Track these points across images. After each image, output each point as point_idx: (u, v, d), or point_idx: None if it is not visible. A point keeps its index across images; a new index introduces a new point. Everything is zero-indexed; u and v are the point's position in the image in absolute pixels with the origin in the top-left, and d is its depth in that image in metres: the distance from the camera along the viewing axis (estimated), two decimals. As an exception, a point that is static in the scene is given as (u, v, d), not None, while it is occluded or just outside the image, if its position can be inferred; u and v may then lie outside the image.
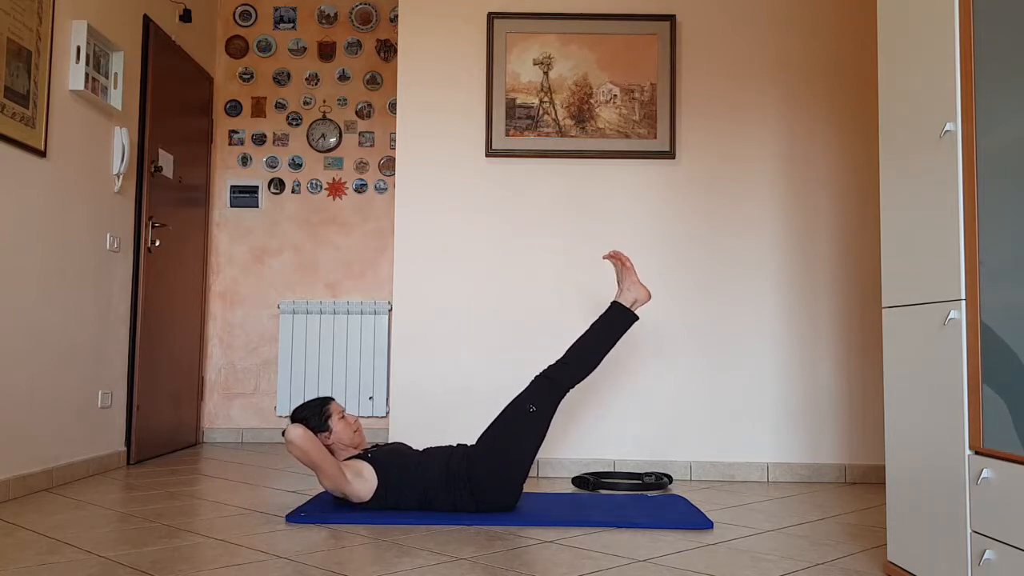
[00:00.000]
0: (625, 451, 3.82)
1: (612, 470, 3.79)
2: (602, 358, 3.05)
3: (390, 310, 5.11)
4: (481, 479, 2.83)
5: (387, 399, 5.08)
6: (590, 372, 3.03)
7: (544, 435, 2.94)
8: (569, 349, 3.05)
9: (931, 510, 1.98)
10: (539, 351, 3.83)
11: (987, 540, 1.76)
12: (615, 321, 3.08)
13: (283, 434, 2.79)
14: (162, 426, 4.47)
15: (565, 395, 2.99)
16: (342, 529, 2.65)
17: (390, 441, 3.72)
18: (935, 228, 1.97)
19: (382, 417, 5.12)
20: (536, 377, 3.01)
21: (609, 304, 3.14)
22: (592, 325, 3.09)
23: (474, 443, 2.96)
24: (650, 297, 3.14)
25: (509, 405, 2.96)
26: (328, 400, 2.99)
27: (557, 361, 3.03)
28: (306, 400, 3.19)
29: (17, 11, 3.17)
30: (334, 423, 2.93)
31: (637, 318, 3.11)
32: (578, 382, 3.01)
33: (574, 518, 2.80)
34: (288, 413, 5.04)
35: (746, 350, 3.85)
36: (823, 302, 3.86)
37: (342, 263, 5.24)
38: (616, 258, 3.17)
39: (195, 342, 4.97)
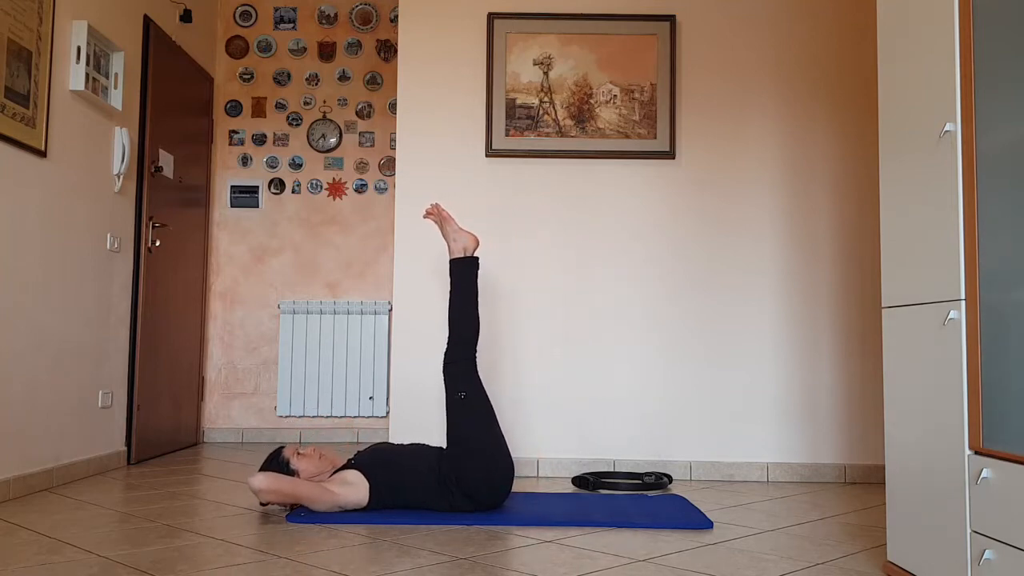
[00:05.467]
0: (625, 451, 3.82)
1: (612, 470, 3.79)
2: (476, 313, 3.07)
3: (390, 310, 5.11)
4: (470, 479, 2.84)
5: (387, 399, 5.08)
6: (477, 331, 3.05)
7: (490, 410, 2.96)
8: (449, 327, 3.06)
9: (931, 510, 1.98)
10: (539, 350, 3.83)
11: (987, 540, 1.76)
12: (462, 276, 3.09)
13: (262, 504, 2.83)
14: (162, 426, 4.47)
15: (475, 362, 3.02)
16: (342, 529, 2.65)
17: (389, 441, 3.72)
18: (935, 228, 1.97)
19: (382, 417, 5.12)
20: (443, 370, 3.02)
21: (448, 265, 3.13)
22: (450, 296, 3.09)
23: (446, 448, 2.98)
24: (477, 240, 3.14)
25: (447, 406, 2.98)
26: (279, 448, 3.00)
27: (447, 343, 3.05)
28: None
29: (17, 11, 3.18)
30: (295, 462, 2.93)
31: (477, 259, 3.11)
32: (475, 345, 3.04)
33: (574, 518, 2.80)
34: (288, 413, 5.05)
35: (746, 350, 3.85)
36: (823, 302, 3.86)
37: (342, 263, 5.24)
38: (433, 213, 3.15)
39: (195, 342, 4.97)
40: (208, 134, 5.16)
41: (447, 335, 3.06)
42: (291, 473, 2.90)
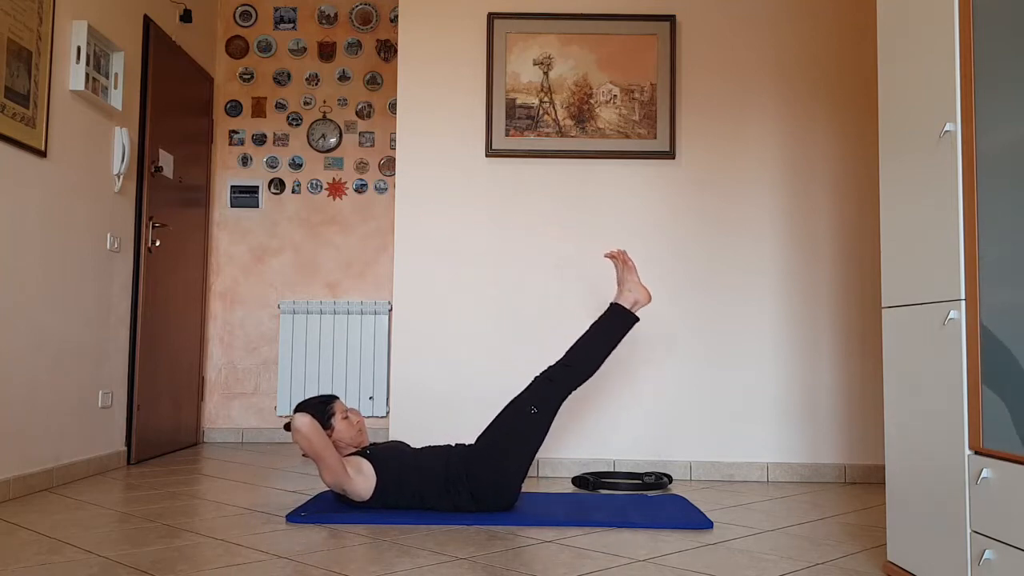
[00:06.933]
0: (625, 451, 3.82)
1: (612, 470, 3.79)
2: (603, 360, 3.02)
3: (390, 310, 5.11)
4: (480, 479, 2.83)
5: (387, 399, 5.08)
6: (592, 374, 2.99)
7: (544, 436, 2.93)
8: (570, 350, 3.01)
9: (931, 510, 1.98)
10: (539, 351, 3.83)
11: (987, 540, 1.76)
12: (616, 323, 3.04)
13: (285, 427, 2.83)
14: (162, 426, 4.47)
15: (567, 397, 2.97)
16: (342, 529, 2.65)
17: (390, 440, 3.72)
18: (935, 228, 1.97)
19: (382, 417, 5.12)
20: (537, 378, 2.98)
21: (609, 305, 3.11)
22: (592, 326, 3.05)
23: (473, 443, 2.96)
24: (650, 299, 3.10)
25: (510, 405, 2.95)
26: (333, 398, 3.00)
27: (559, 362, 3.00)
28: (311, 396, 3.21)
29: (17, 11, 3.18)
30: (337, 421, 2.94)
31: (637, 319, 3.06)
32: (579, 384, 2.98)
33: (574, 518, 2.80)
34: (288, 413, 5.04)
35: (746, 350, 3.85)
36: (823, 302, 3.86)
37: (342, 263, 5.24)
38: (619, 257, 3.13)
39: (195, 342, 4.97)
40: (208, 134, 5.16)
41: (565, 355, 3.00)
42: (327, 425, 2.91)
